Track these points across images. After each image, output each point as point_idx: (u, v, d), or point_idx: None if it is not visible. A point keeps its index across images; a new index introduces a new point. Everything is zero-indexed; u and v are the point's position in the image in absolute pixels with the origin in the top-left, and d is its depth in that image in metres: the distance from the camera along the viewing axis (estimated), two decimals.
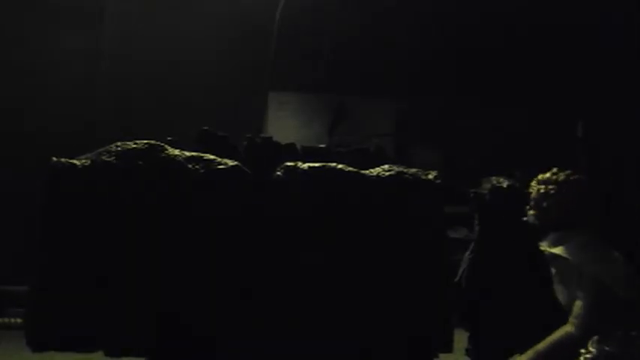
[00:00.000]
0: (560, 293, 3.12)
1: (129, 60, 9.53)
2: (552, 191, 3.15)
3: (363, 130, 9.47)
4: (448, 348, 3.20)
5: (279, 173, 3.12)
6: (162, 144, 3.10)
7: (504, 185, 3.49)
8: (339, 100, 9.94)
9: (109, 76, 9.71)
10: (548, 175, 3.24)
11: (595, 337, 2.83)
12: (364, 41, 9.23)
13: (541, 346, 3.02)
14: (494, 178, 3.57)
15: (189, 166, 3.04)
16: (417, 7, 8.90)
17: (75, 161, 3.00)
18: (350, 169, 3.19)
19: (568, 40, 9.20)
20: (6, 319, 6.66)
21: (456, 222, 6.74)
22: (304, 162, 3.16)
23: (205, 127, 3.31)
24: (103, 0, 9.69)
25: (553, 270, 3.15)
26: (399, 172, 3.23)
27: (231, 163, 3.09)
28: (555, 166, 3.32)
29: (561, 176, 3.19)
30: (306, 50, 9.50)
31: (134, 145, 3.05)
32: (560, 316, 3.51)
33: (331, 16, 9.21)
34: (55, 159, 2.99)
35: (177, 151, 3.09)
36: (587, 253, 3.03)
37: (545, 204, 3.18)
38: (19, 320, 6.22)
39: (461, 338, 3.37)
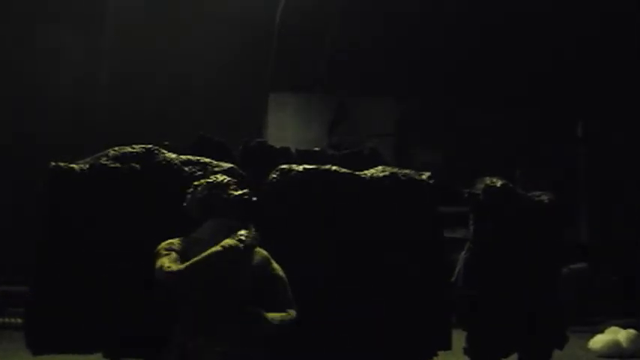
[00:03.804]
0: None
1: (129, 61, 9.56)
2: None
3: (363, 130, 9.49)
4: (447, 346, 3.24)
5: (274, 175, 3.15)
6: (159, 148, 3.13)
7: (497, 185, 3.50)
8: (339, 100, 9.97)
9: (109, 77, 9.73)
10: None
11: None
12: (364, 41, 9.25)
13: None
14: (487, 178, 3.57)
15: (186, 169, 3.07)
16: (417, 7, 8.90)
17: (74, 165, 3.03)
18: (344, 170, 3.22)
19: (568, 41, 9.21)
20: (6, 319, 6.68)
21: (455, 222, 6.74)
22: (299, 164, 3.19)
23: (201, 133, 3.33)
24: (103, 0, 9.72)
25: None
26: (392, 173, 3.26)
27: (226, 165, 3.12)
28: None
29: None
30: (306, 50, 9.51)
31: (131, 149, 3.09)
32: (557, 315, 3.55)
33: (331, 17, 9.22)
34: (53, 163, 3.02)
35: (173, 155, 3.12)
36: None
37: None
38: (19, 320, 6.24)
39: (460, 337, 3.40)
